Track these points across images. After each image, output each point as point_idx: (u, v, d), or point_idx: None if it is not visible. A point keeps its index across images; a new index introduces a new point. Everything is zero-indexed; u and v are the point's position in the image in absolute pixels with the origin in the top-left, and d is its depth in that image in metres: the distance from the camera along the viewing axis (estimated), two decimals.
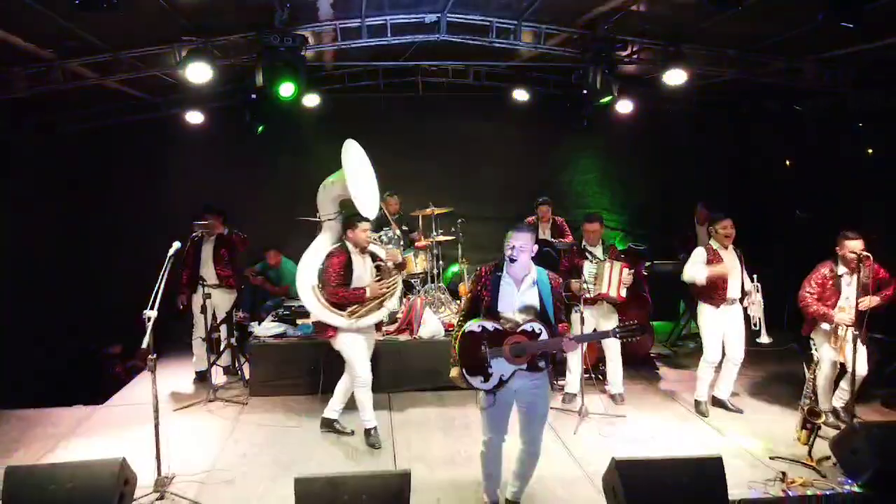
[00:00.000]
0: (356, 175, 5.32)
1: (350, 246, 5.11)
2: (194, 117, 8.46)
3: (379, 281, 5.22)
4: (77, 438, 5.36)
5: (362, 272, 5.13)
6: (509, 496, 4.11)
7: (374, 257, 5.33)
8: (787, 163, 9.17)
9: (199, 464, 4.81)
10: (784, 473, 4.51)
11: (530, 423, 3.91)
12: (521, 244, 3.71)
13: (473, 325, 3.78)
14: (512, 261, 3.73)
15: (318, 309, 5.15)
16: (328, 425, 5.43)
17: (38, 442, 5.27)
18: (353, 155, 5.44)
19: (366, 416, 5.19)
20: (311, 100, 8.39)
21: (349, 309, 5.04)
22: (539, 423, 3.91)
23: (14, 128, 7.59)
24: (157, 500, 4.24)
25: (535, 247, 3.83)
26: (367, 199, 5.36)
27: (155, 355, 4.30)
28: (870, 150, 7.62)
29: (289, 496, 3.94)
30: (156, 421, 4.40)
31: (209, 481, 4.55)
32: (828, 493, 4.34)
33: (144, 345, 4.17)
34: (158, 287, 4.34)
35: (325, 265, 5.11)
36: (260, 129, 8.28)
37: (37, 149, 8.18)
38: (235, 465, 4.84)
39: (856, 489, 4.33)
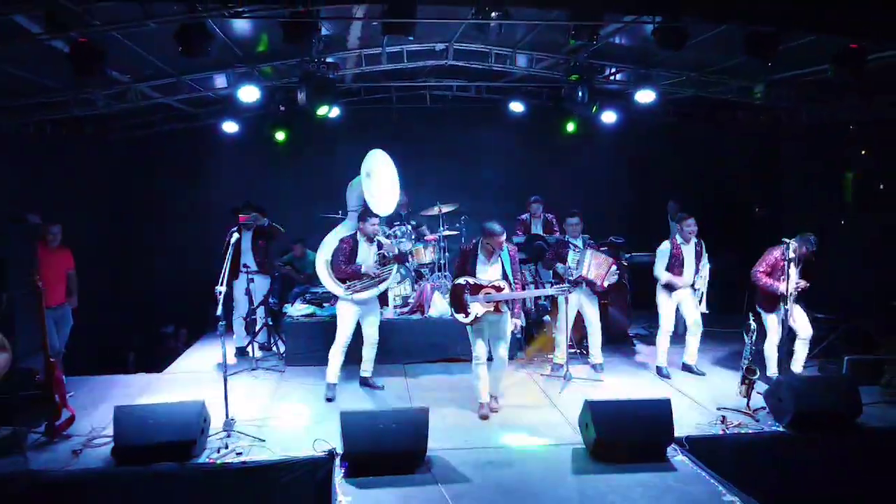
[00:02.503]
0: (373, 179, 6.41)
1: (360, 235, 6.20)
2: (230, 127, 9.37)
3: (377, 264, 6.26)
4: (149, 395, 6.36)
5: (366, 257, 6.20)
6: (492, 392, 5.95)
7: (381, 246, 6.34)
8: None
9: (253, 413, 5.84)
10: (724, 417, 5.53)
11: (496, 343, 5.77)
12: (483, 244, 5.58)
13: (461, 280, 5.63)
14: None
15: (325, 279, 6.41)
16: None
17: (117, 399, 6.11)
18: (374, 162, 6.49)
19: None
20: (333, 110, 9.35)
21: (348, 283, 6.14)
22: (502, 343, 5.74)
23: (74, 136, 8.64)
24: (225, 436, 5.21)
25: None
26: (381, 199, 6.43)
27: (224, 323, 5.36)
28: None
29: (331, 433, 5.04)
30: (225, 375, 5.43)
31: (264, 424, 5.59)
32: (758, 431, 5.38)
33: (218, 313, 5.25)
34: (225, 268, 5.39)
35: (338, 247, 6.22)
36: (281, 139, 9.36)
37: (91, 154, 9.17)
38: (283, 413, 5.90)
39: (780, 429, 5.38)
